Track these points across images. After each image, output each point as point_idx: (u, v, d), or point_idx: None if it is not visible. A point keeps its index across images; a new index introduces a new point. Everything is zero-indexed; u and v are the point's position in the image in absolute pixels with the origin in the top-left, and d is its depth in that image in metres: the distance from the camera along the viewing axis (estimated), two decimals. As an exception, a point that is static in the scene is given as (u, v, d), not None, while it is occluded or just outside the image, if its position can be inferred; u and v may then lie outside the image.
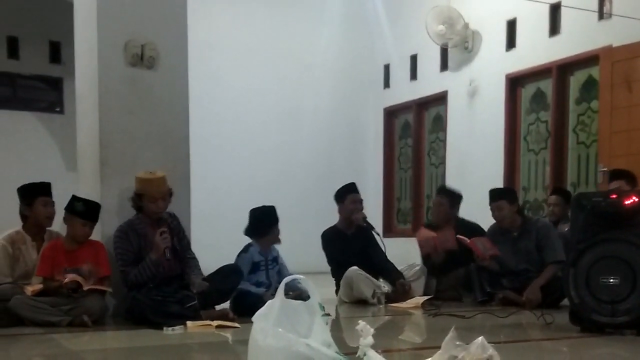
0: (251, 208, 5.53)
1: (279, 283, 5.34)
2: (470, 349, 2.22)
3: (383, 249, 6.20)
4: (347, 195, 6.23)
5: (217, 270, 5.02)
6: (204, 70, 8.68)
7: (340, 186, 6.35)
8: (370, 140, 11.15)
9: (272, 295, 2.62)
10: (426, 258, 6.35)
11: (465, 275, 6.06)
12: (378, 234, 6.27)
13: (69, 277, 4.51)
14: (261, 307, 2.44)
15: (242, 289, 5.09)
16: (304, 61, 10.50)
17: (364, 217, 6.24)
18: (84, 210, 4.72)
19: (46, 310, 4.45)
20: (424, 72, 10.05)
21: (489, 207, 5.94)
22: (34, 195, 4.96)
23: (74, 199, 4.80)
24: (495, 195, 5.97)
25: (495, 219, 5.97)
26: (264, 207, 5.51)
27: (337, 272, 6.12)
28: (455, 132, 9.48)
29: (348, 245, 6.15)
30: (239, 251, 5.45)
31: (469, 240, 5.91)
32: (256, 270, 5.38)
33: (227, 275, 4.97)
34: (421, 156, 10.40)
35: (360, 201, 6.30)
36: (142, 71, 5.06)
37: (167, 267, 4.79)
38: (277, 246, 5.61)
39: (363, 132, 11.12)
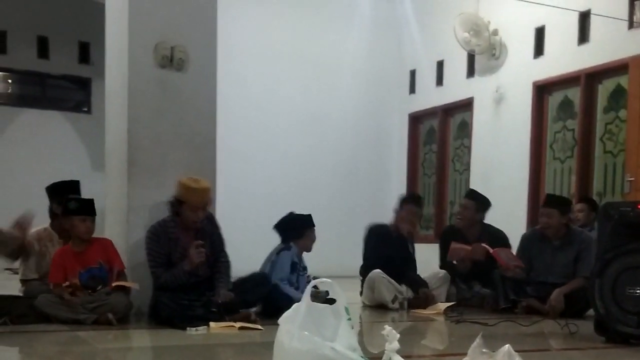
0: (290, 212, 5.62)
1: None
2: (496, 356, 2.21)
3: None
4: (407, 204, 6.24)
5: (246, 278, 5.02)
6: (231, 74, 8.72)
7: (409, 192, 6.42)
8: (394, 146, 11.13)
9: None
10: (450, 264, 6.33)
11: (488, 281, 6.04)
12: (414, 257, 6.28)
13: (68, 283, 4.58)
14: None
15: (282, 290, 5.10)
16: (331, 65, 10.51)
17: (410, 232, 6.22)
18: (77, 207, 4.70)
19: (72, 308, 4.50)
20: (451, 78, 10.02)
21: (539, 210, 5.84)
22: (63, 193, 5.01)
23: (66, 200, 4.78)
24: (550, 202, 5.87)
25: (541, 223, 5.87)
26: (303, 214, 5.60)
27: (368, 269, 6.09)
28: (480, 139, 9.44)
29: (389, 245, 6.13)
30: (273, 249, 5.52)
31: (492, 251, 5.88)
32: (292, 271, 5.42)
33: (255, 285, 4.96)
34: (445, 162, 10.36)
35: (417, 215, 6.32)
36: (172, 73, 5.10)
37: (199, 271, 4.78)
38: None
39: (387, 138, 11.10)
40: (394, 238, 6.17)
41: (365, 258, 6.27)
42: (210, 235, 4.88)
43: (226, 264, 4.94)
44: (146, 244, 4.74)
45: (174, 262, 4.70)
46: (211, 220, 4.94)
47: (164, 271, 4.67)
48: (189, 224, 4.71)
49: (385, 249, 6.08)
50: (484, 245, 5.99)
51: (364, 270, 6.21)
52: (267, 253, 5.58)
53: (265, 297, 4.99)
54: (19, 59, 10.62)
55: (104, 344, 4.05)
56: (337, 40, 10.53)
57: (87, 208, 4.74)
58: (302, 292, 5.19)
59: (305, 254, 5.68)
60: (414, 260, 6.27)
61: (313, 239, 5.57)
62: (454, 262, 6.28)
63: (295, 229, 5.50)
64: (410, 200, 6.36)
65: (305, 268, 5.61)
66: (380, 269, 5.90)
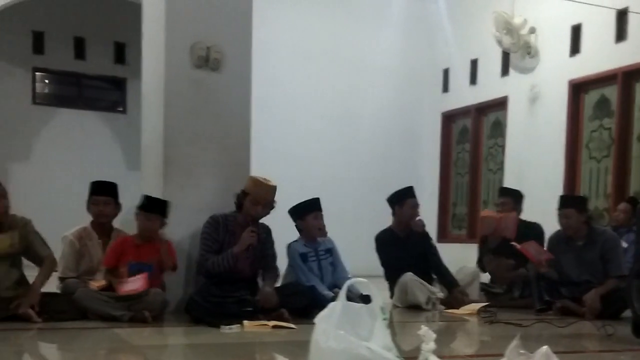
0: None
1: (332, 275, 5.41)
2: (534, 358, 2.20)
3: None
4: (407, 199, 6.16)
5: (292, 290, 5.03)
6: (265, 74, 8.75)
7: (398, 189, 6.30)
8: (427, 145, 11.09)
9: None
10: (483, 240, 6.30)
11: (523, 280, 6.00)
12: (433, 246, 6.23)
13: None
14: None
15: (314, 288, 5.13)
16: (364, 65, 10.51)
17: (424, 225, 6.21)
18: (145, 204, 4.83)
19: (109, 304, 4.57)
20: (484, 76, 9.95)
21: (557, 213, 5.81)
22: (90, 193, 5.11)
23: (144, 197, 4.91)
24: (565, 203, 5.82)
25: (561, 226, 5.84)
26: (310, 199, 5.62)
27: (391, 275, 6.11)
28: (514, 138, 9.37)
29: (402, 248, 6.11)
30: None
31: (520, 247, 5.84)
32: (305, 261, 5.44)
33: (297, 295, 4.96)
34: (478, 161, 10.30)
35: (418, 206, 6.27)
36: (207, 73, 5.14)
37: (242, 266, 4.86)
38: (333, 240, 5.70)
39: (420, 136, 11.07)
40: (404, 239, 6.16)
41: (386, 266, 6.25)
42: (264, 242, 5.01)
43: (276, 271, 5.07)
44: (204, 227, 4.87)
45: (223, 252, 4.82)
46: (268, 232, 5.08)
47: (212, 256, 4.78)
48: (247, 217, 4.85)
49: (399, 254, 6.06)
50: (512, 243, 5.95)
51: (389, 277, 6.20)
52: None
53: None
54: (56, 59, 10.79)
55: (140, 341, 4.10)
56: (370, 39, 10.53)
57: (155, 207, 4.85)
58: (327, 278, 5.34)
59: (341, 252, 5.70)
60: (438, 255, 6.21)
61: (316, 224, 5.50)
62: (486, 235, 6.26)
63: (296, 214, 5.52)
64: (407, 194, 6.24)
65: (328, 250, 5.59)
66: (407, 271, 5.89)
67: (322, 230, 5.63)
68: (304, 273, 5.37)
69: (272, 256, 5.12)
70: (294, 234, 5.58)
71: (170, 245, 4.88)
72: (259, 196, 4.81)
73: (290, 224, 5.56)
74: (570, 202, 5.88)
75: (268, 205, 4.88)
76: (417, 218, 6.17)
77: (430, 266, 6.14)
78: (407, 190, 6.31)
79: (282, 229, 5.32)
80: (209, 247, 4.83)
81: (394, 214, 6.26)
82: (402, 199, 6.18)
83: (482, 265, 6.44)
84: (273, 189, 4.87)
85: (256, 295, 4.78)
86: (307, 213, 5.50)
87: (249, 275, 4.94)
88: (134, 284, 4.63)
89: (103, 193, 5.11)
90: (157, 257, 4.81)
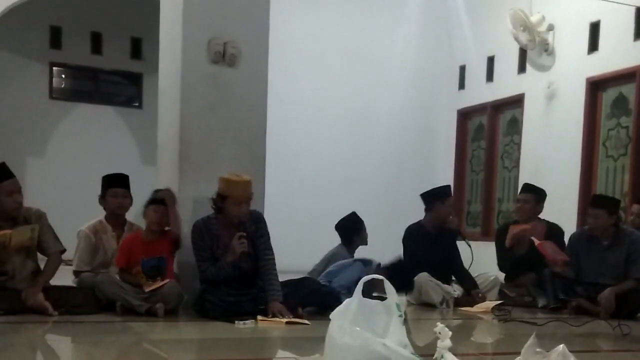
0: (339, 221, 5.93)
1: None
2: (550, 356, 2.18)
3: (471, 257, 6.08)
4: (448, 197, 6.19)
5: (297, 283, 5.02)
6: (281, 70, 8.75)
7: (437, 187, 6.37)
8: (442, 142, 11.05)
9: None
10: (509, 249, 6.22)
11: (538, 279, 5.97)
12: (469, 245, 6.16)
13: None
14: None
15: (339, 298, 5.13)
16: (380, 61, 10.48)
17: (457, 224, 6.20)
18: (153, 198, 4.86)
19: (129, 292, 4.61)
20: (501, 73, 9.90)
21: (587, 211, 5.75)
22: (106, 186, 5.13)
23: (155, 191, 4.95)
24: (597, 203, 5.77)
25: (589, 224, 5.77)
26: (347, 217, 5.88)
27: (411, 271, 6.07)
28: (530, 136, 9.31)
29: (431, 244, 6.09)
30: (324, 249, 5.74)
31: (537, 243, 5.81)
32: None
33: (308, 292, 4.95)
34: (494, 159, 10.25)
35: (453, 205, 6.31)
36: (224, 69, 5.14)
37: (243, 265, 4.80)
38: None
39: (435, 133, 11.03)
40: (435, 236, 6.14)
41: (410, 258, 6.23)
42: (255, 233, 4.82)
43: (272, 260, 4.82)
44: (192, 239, 4.79)
45: (216, 258, 4.73)
46: (255, 218, 4.86)
47: (209, 265, 4.71)
48: (232, 219, 4.69)
49: (428, 251, 6.04)
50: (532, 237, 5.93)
51: (408, 269, 6.18)
52: (314, 248, 5.60)
53: (321, 303, 4.92)
54: (73, 54, 10.84)
55: (154, 335, 4.12)
56: (386, 36, 10.50)
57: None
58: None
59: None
60: (460, 258, 6.19)
61: (365, 237, 5.84)
62: (513, 246, 6.19)
63: (347, 237, 5.68)
64: (446, 194, 6.27)
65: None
66: (427, 269, 5.87)
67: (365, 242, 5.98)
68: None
69: (267, 242, 4.85)
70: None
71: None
72: (239, 195, 4.59)
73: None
74: (602, 202, 5.80)
75: (250, 200, 4.69)
76: (452, 217, 6.19)
77: (451, 267, 6.11)
78: (447, 188, 6.46)
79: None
80: (202, 256, 4.73)
81: (428, 210, 6.23)
82: (444, 197, 6.19)
83: (503, 265, 6.39)
84: (249, 183, 4.64)
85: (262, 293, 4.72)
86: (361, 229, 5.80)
87: (253, 270, 4.81)
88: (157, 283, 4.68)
89: (121, 185, 5.15)
90: (168, 249, 4.83)
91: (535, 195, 6.38)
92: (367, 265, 5.57)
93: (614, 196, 7.30)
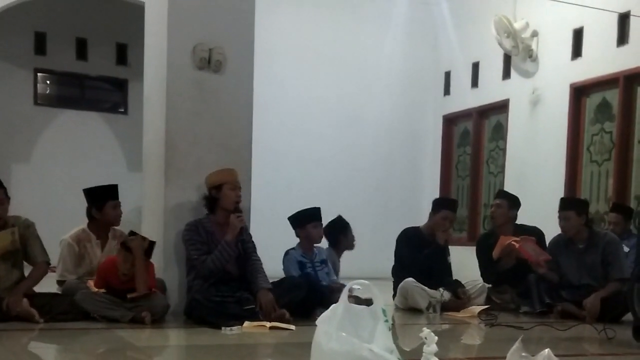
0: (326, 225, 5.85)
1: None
2: (535, 361, 2.20)
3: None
4: (442, 209, 6.17)
5: (289, 285, 5.03)
6: (267, 75, 8.77)
7: (442, 196, 6.38)
8: (428, 147, 11.09)
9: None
10: (494, 261, 6.19)
11: (523, 284, 5.99)
12: (449, 262, 6.21)
13: None
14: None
15: (309, 274, 5.21)
16: (366, 67, 10.52)
17: (446, 239, 6.19)
18: (123, 242, 4.62)
19: (109, 306, 4.57)
20: (486, 79, 9.96)
21: (557, 215, 5.81)
22: (104, 198, 5.08)
23: (129, 234, 4.73)
24: (565, 205, 5.85)
25: (560, 227, 5.84)
26: (333, 220, 5.91)
27: (400, 272, 6.09)
28: (515, 141, 9.37)
29: (422, 250, 6.07)
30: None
31: (517, 246, 5.83)
32: (302, 269, 5.49)
33: (291, 288, 4.97)
34: (480, 164, 10.30)
35: (451, 221, 6.27)
36: (209, 75, 5.13)
37: (229, 267, 4.84)
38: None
39: (422, 139, 11.07)
40: (428, 243, 6.14)
41: (398, 261, 6.25)
42: (243, 237, 4.95)
43: (259, 262, 4.98)
44: (185, 237, 4.81)
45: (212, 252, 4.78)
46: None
47: (208, 256, 4.74)
48: (229, 206, 4.81)
49: (420, 255, 6.04)
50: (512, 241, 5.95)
51: (396, 273, 6.20)
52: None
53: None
54: (58, 60, 10.79)
55: (141, 342, 4.10)
56: (372, 42, 10.54)
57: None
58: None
59: (344, 254, 5.77)
60: (449, 266, 6.22)
61: (314, 234, 5.59)
62: (500, 259, 6.14)
63: (297, 223, 5.60)
64: (445, 205, 6.32)
65: (323, 261, 5.67)
66: (415, 274, 5.88)
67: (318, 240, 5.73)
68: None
69: (253, 247, 5.04)
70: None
71: (151, 268, 4.72)
72: (233, 181, 4.84)
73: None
74: (570, 204, 5.91)
75: (239, 187, 4.90)
76: (443, 231, 6.13)
77: (439, 273, 6.11)
78: (448, 201, 6.56)
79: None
80: (200, 249, 4.75)
81: (430, 216, 6.27)
82: (439, 208, 6.21)
83: (487, 277, 6.40)
84: (234, 170, 4.91)
85: (255, 300, 4.74)
86: (308, 222, 5.57)
87: (238, 273, 4.90)
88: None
89: (117, 196, 5.15)
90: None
91: (509, 201, 6.40)
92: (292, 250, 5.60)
93: (586, 199, 7.39)
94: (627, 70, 7.70)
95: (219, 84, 5.19)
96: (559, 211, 5.81)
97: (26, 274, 4.77)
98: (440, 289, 5.94)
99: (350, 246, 6.19)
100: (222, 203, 4.85)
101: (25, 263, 4.78)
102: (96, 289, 4.70)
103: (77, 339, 4.10)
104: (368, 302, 2.51)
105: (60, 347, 3.95)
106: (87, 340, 4.11)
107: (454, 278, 6.18)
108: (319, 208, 5.67)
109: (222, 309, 4.57)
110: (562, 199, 6.05)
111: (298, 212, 5.65)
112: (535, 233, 6.23)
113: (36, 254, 4.70)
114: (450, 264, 6.15)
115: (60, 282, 5.03)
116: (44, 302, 4.54)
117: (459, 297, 5.93)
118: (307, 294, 4.92)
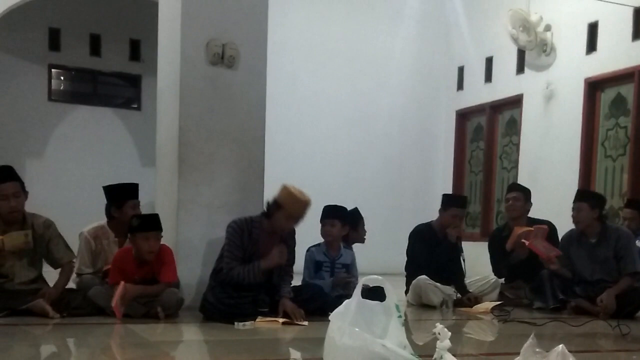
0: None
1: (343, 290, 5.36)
2: (550, 356, 2.19)
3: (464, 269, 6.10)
4: (452, 207, 6.12)
5: (300, 289, 5.01)
6: (280, 71, 8.78)
7: (452, 194, 6.31)
8: (441, 143, 11.07)
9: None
10: (505, 255, 6.17)
11: (536, 280, 5.96)
12: (464, 260, 6.15)
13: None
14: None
15: (322, 288, 5.13)
16: (379, 62, 10.51)
17: (459, 236, 6.14)
18: (139, 224, 4.59)
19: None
20: (500, 74, 9.92)
21: (572, 207, 5.79)
22: (124, 197, 5.07)
23: (131, 218, 4.71)
24: (579, 196, 5.83)
25: (572, 219, 5.80)
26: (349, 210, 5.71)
27: (413, 269, 6.08)
28: (529, 136, 9.33)
29: (435, 247, 6.05)
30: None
31: (528, 243, 5.80)
32: (318, 269, 5.44)
33: (310, 297, 4.92)
34: (493, 160, 10.27)
35: (461, 218, 6.23)
36: (222, 70, 5.15)
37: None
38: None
39: (434, 135, 11.06)
40: (440, 240, 6.11)
41: (410, 258, 6.24)
42: (291, 247, 4.86)
43: (291, 278, 4.90)
44: (228, 234, 4.68)
45: (246, 260, 4.66)
46: (292, 236, 4.89)
47: (237, 265, 4.62)
48: (276, 229, 4.67)
49: (432, 252, 6.02)
50: (545, 228, 5.91)
51: (409, 270, 6.19)
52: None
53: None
54: (72, 56, 10.82)
55: (155, 337, 4.12)
56: (384, 38, 10.53)
57: (151, 224, 4.62)
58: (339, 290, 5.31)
59: (356, 251, 5.73)
60: (460, 264, 6.18)
61: (328, 232, 5.47)
62: (513, 250, 6.10)
63: (351, 223, 5.59)
64: (455, 202, 6.28)
65: (346, 265, 5.55)
66: (427, 271, 5.87)
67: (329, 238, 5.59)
68: (311, 280, 5.39)
69: (292, 259, 4.91)
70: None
71: (170, 254, 4.73)
72: (295, 212, 4.58)
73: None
74: (584, 196, 5.88)
75: (301, 220, 4.68)
76: (454, 227, 6.09)
77: (452, 270, 6.08)
78: (457, 198, 6.47)
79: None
80: (234, 255, 4.63)
81: (440, 212, 6.24)
82: (448, 205, 6.16)
83: (499, 271, 6.38)
84: (309, 204, 4.61)
85: (272, 303, 4.71)
86: (323, 217, 5.50)
87: (267, 278, 4.79)
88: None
89: (137, 196, 5.13)
90: (159, 269, 4.67)
91: (524, 193, 6.38)
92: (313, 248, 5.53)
93: (603, 195, 7.31)
94: (643, 65, 7.64)
95: (232, 79, 5.20)
96: (574, 202, 5.77)
97: (43, 272, 4.78)
98: (451, 286, 5.93)
99: (361, 239, 6.13)
100: (273, 220, 4.67)
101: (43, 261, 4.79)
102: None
103: (92, 334, 4.11)
104: (378, 291, 2.51)
105: (75, 342, 3.97)
106: (101, 335, 4.13)
107: (466, 275, 6.13)
108: (342, 207, 5.57)
109: (235, 310, 4.50)
110: (578, 190, 6.02)
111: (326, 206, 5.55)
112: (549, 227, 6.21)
113: (62, 255, 4.73)
114: (463, 260, 6.12)
115: (78, 275, 5.06)
116: (60, 297, 4.56)
117: (464, 304, 5.89)
118: (321, 305, 4.79)
